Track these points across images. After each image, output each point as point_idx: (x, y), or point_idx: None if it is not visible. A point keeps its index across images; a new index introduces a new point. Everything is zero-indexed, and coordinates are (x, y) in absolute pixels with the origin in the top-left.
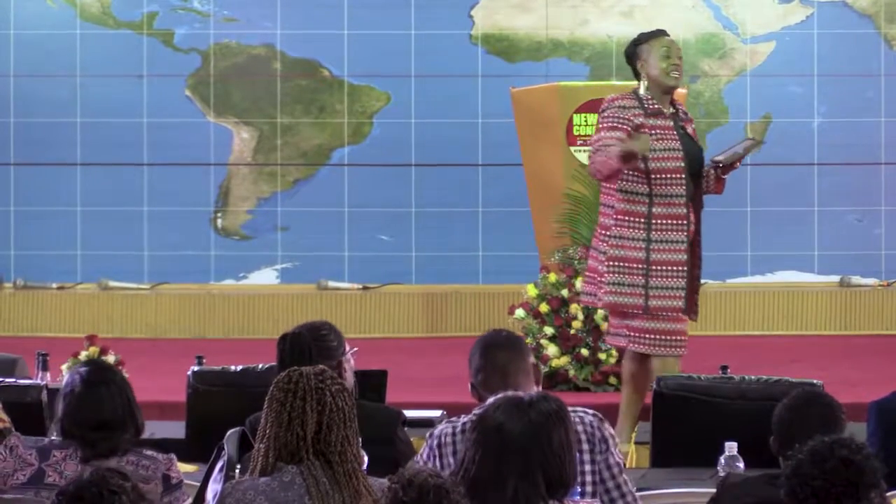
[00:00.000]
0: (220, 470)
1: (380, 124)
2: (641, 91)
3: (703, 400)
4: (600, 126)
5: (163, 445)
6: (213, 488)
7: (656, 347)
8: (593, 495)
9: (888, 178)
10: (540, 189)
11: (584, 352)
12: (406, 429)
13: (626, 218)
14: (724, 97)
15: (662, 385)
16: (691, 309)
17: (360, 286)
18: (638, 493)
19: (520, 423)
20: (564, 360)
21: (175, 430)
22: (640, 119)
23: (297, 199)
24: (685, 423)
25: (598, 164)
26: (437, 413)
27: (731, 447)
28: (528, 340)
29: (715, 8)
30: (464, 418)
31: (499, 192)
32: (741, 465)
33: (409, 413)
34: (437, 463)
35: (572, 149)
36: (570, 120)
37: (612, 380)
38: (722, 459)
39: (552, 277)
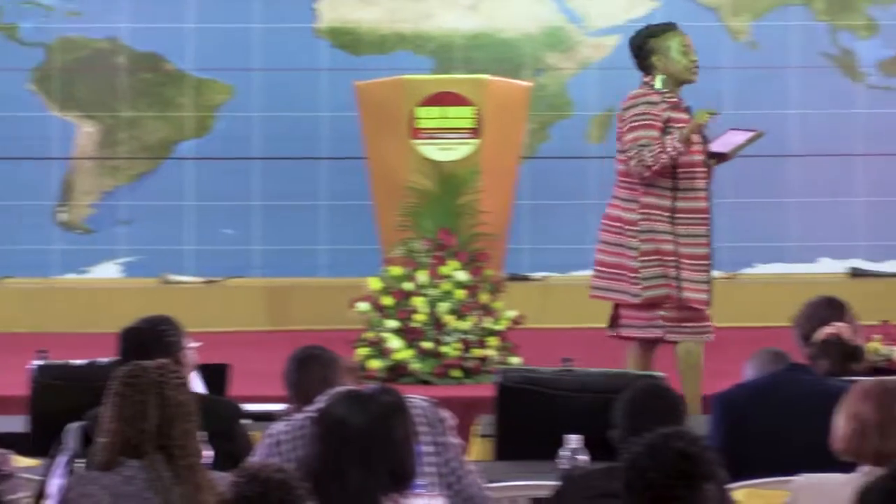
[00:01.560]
0: (64, 464)
1: (224, 118)
2: (658, 85)
3: (547, 393)
4: (634, 124)
5: (4, 440)
6: (57, 482)
7: (690, 335)
8: (438, 476)
9: (728, 170)
10: (384, 182)
11: (427, 345)
12: (249, 422)
13: (654, 212)
14: (568, 90)
15: (506, 378)
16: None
17: (204, 280)
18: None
19: (361, 416)
20: (407, 353)
21: (16, 424)
22: (668, 114)
23: (140, 193)
24: (529, 416)
25: (667, 158)
26: (279, 406)
27: (574, 440)
28: (371, 334)
29: (559, 0)
30: (300, 415)
31: (343, 186)
32: (584, 457)
33: (252, 407)
34: (275, 461)
35: (416, 142)
36: (414, 113)
37: (455, 372)
38: (565, 452)
39: (395, 271)
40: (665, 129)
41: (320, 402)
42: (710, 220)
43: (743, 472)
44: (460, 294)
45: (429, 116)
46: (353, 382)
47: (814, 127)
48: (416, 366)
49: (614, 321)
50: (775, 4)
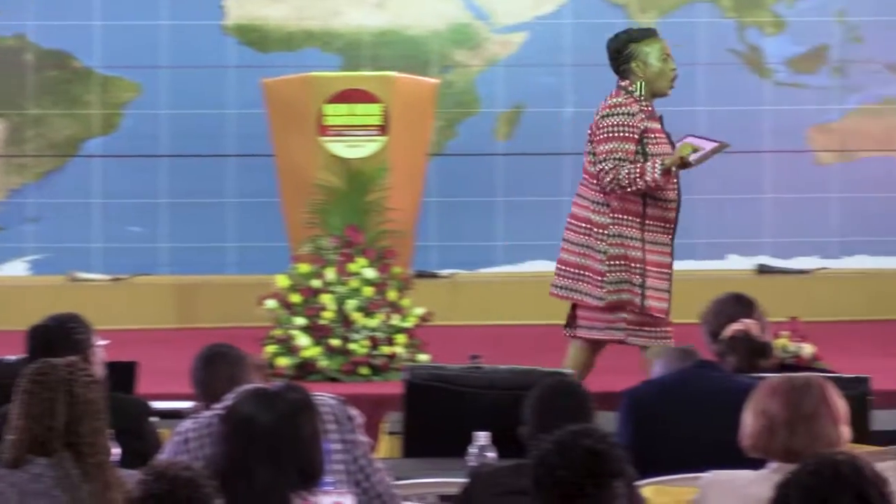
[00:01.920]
0: None
1: (131, 115)
2: (635, 92)
3: (454, 390)
4: (610, 135)
5: None
6: None
7: (652, 339)
8: (346, 474)
9: None
10: (291, 180)
11: (335, 342)
12: (157, 420)
13: (625, 217)
14: (475, 87)
15: (413, 375)
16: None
17: (111, 277)
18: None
19: (268, 414)
20: (315, 350)
21: None
22: (645, 124)
23: (47, 191)
24: (437, 413)
25: (643, 185)
26: (188, 404)
27: (482, 437)
28: (279, 331)
29: None
30: (208, 413)
31: (251, 183)
32: (492, 454)
33: (160, 405)
34: (184, 459)
35: (324, 139)
36: (322, 111)
37: (363, 370)
38: (473, 449)
39: (303, 268)
40: (641, 140)
41: (228, 400)
42: (674, 230)
43: (651, 468)
44: (368, 291)
45: (336, 114)
46: (261, 380)
47: (722, 124)
48: (324, 363)
49: (571, 321)
50: (683, 2)
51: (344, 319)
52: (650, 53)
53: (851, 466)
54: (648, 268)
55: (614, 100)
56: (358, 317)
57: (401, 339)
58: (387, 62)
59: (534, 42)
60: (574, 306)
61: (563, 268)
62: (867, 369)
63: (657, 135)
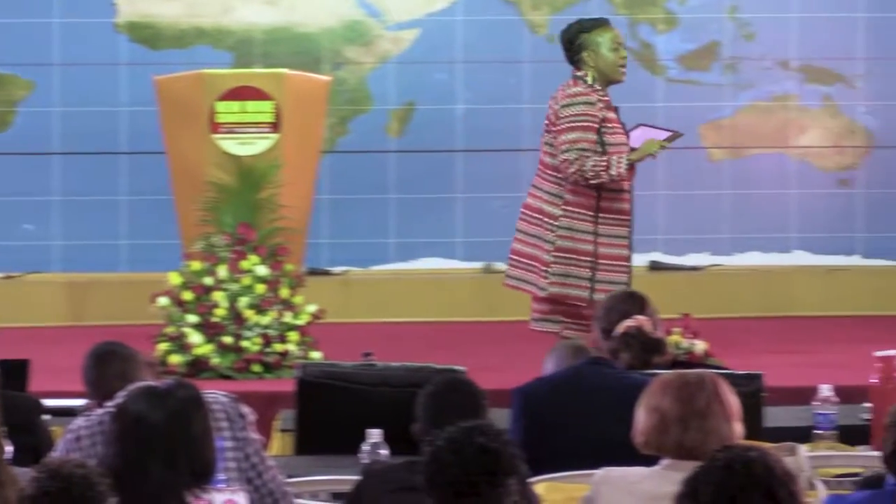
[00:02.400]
0: None
1: (24, 113)
2: (589, 81)
3: (347, 387)
4: (573, 125)
5: None
6: None
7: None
8: (237, 471)
9: (531, 164)
10: (183, 177)
11: (228, 339)
12: (49, 418)
13: (577, 210)
14: (368, 84)
15: (306, 372)
16: None
17: (3, 275)
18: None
19: (159, 411)
20: (208, 348)
21: None
22: (603, 113)
23: None
24: (329, 411)
25: (607, 179)
26: (80, 402)
27: (375, 434)
28: (172, 329)
29: None
30: (99, 411)
31: (143, 181)
32: (385, 451)
33: (52, 402)
34: (76, 457)
35: (215, 137)
36: (214, 108)
37: (256, 367)
38: (366, 446)
39: (195, 265)
40: (599, 130)
41: (119, 398)
42: (631, 222)
43: (544, 465)
44: (260, 289)
45: (228, 111)
46: (153, 378)
47: None
48: (216, 361)
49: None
50: None
51: (236, 317)
52: (601, 43)
53: (762, 464)
54: (600, 261)
55: (573, 89)
56: (250, 314)
57: (293, 336)
58: (278, 59)
59: (425, 39)
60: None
61: (516, 258)
62: (759, 366)
63: (614, 125)
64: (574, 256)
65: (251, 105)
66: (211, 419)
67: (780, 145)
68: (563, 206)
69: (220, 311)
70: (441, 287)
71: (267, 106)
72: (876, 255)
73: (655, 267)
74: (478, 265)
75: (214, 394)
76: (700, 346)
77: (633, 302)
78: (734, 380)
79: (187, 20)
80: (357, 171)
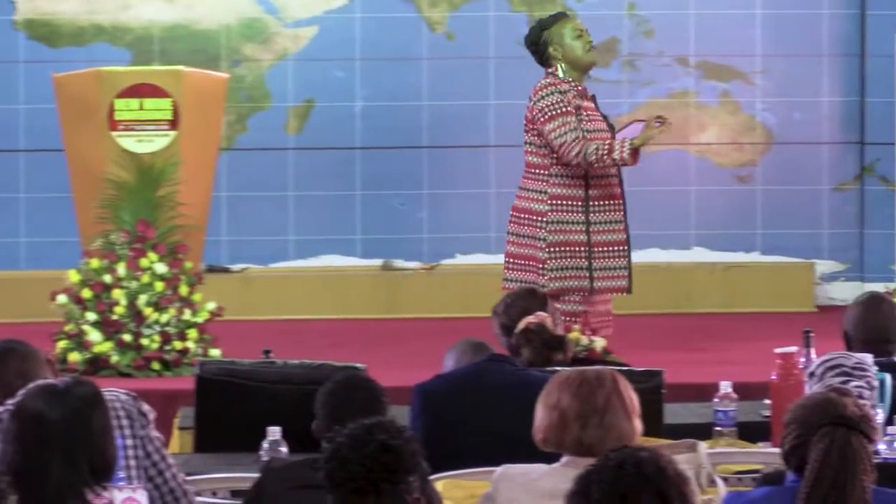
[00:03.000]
0: None
1: None
2: (561, 74)
3: (246, 384)
4: (551, 114)
5: None
6: None
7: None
8: (137, 469)
9: (430, 161)
10: (82, 174)
11: (127, 337)
12: None
13: (564, 202)
14: (266, 82)
15: (205, 370)
16: (630, 287)
17: None
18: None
19: (58, 409)
20: (107, 345)
21: None
22: (577, 101)
23: None
24: (229, 408)
25: (609, 163)
26: None
27: (275, 431)
28: (71, 326)
29: None
30: None
31: (42, 178)
32: (284, 449)
33: None
34: None
35: (114, 134)
36: (112, 105)
37: (155, 365)
38: (265, 444)
39: (94, 263)
40: (577, 117)
41: (19, 395)
42: (623, 206)
43: (444, 463)
44: (160, 286)
45: (126, 108)
46: (53, 375)
47: (513, 118)
48: (116, 358)
49: None
50: None
51: (136, 314)
52: (564, 34)
53: (654, 464)
54: (595, 248)
55: (543, 82)
56: (150, 312)
57: (192, 334)
58: (177, 57)
59: (324, 36)
60: None
61: (511, 260)
62: (659, 363)
63: (590, 112)
64: (567, 248)
65: (149, 102)
66: (111, 417)
67: (678, 142)
68: (550, 201)
69: (120, 309)
70: (340, 284)
71: (165, 103)
72: (775, 252)
73: None
74: (377, 262)
75: (114, 392)
76: (599, 342)
77: (535, 299)
78: (634, 376)
79: (86, 17)
80: (256, 168)
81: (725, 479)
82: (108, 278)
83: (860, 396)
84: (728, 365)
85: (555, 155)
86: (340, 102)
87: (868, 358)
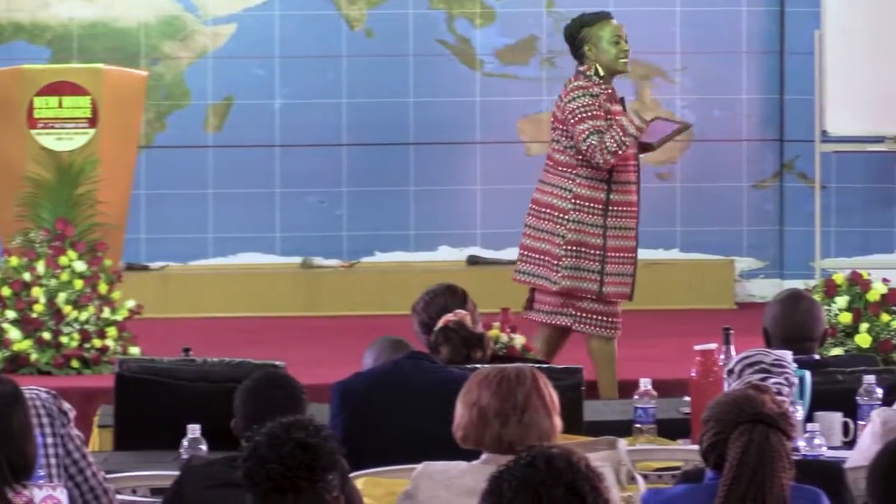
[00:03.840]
0: None
1: None
2: (593, 76)
3: (166, 382)
4: (582, 115)
5: None
6: None
7: (600, 328)
8: (57, 467)
9: (349, 159)
10: (1, 172)
11: (47, 335)
12: None
13: (587, 203)
14: (185, 79)
15: (124, 367)
16: (633, 293)
17: None
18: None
19: None
20: (26, 343)
21: None
22: (607, 105)
23: None
24: (148, 406)
25: (629, 141)
26: None
27: (194, 430)
28: None
29: None
30: None
31: None
32: (204, 447)
33: None
34: None
35: (33, 132)
36: (32, 103)
37: (75, 363)
38: (185, 442)
39: (13, 261)
40: (606, 120)
41: None
42: (638, 213)
43: (364, 461)
44: (79, 284)
45: (46, 106)
46: None
47: (433, 115)
48: (35, 356)
49: (529, 304)
50: None
51: (55, 312)
52: (602, 37)
53: (565, 460)
54: (609, 253)
55: (575, 83)
56: (69, 310)
57: (112, 332)
58: (96, 54)
59: (243, 34)
60: (533, 290)
61: (526, 253)
62: (578, 360)
63: (619, 116)
64: (584, 249)
65: (69, 100)
66: (31, 415)
67: None
68: (573, 200)
69: (39, 307)
70: (260, 282)
71: (84, 101)
72: (694, 249)
73: (473, 261)
74: (296, 260)
75: (35, 390)
76: (519, 340)
77: (454, 296)
78: (553, 374)
79: (5, 15)
80: (175, 166)
81: (645, 477)
82: (27, 276)
83: (779, 393)
84: (648, 362)
85: (580, 156)
86: (260, 100)
87: (787, 355)
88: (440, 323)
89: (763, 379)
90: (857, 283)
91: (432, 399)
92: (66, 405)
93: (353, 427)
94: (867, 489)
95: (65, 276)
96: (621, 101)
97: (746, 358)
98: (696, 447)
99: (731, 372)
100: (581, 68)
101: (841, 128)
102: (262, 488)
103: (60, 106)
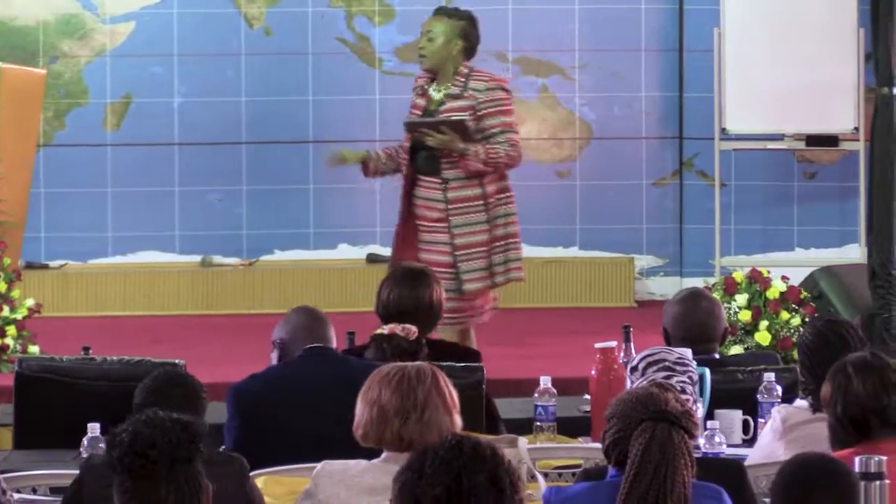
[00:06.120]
0: None
1: None
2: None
3: (66, 381)
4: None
5: None
6: None
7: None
8: None
9: (248, 157)
10: None
11: None
12: None
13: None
14: (84, 78)
15: (23, 366)
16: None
17: None
18: (2, 476)
19: None
20: None
21: None
22: (414, 98)
23: None
24: (48, 405)
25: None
26: None
27: (94, 428)
28: None
29: None
30: None
31: None
32: (104, 446)
33: None
34: None
35: None
36: None
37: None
38: (85, 441)
39: None
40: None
41: None
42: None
43: (263, 463)
44: None
45: None
46: None
47: (332, 113)
48: None
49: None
50: None
51: None
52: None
53: (491, 450)
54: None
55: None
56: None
57: (11, 330)
58: None
59: (141, 32)
60: None
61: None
62: (483, 357)
63: (415, 109)
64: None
65: None
66: None
67: None
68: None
69: None
70: (159, 281)
71: None
72: (593, 247)
73: (373, 259)
74: (196, 258)
75: None
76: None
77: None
78: (454, 372)
79: None
80: (74, 164)
81: (545, 475)
82: None
83: (683, 391)
84: (548, 360)
85: None
86: (158, 98)
87: (688, 353)
88: (385, 329)
89: (667, 377)
90: (757, 281)
91: (327, 400)
92: None
93: (250, 430)
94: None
95: None
96: (424, 95)
97: (650, 356)
98: (596, 445)
99: (634, 369)
100: None
101: (740, 126)
102: (135, 471)
103: None
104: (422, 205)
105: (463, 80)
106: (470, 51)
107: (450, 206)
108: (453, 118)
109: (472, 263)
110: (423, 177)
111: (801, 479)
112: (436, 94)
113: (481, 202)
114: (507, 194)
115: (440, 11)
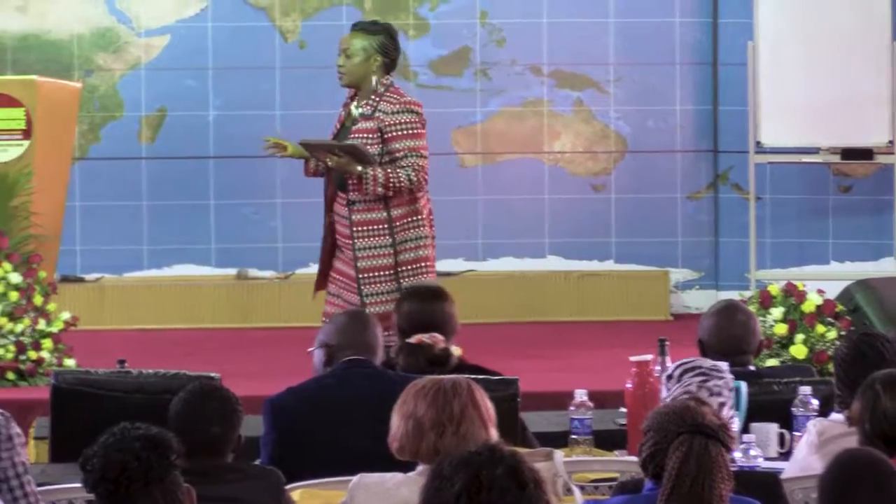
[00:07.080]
0: None
1: None
2: None
3: (102, 394)
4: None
5: None
6: None
7: None
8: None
9: (283, 170)
10: None
11: None
12: None
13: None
14: (119, 91)
15: (60, 379)
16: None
17: None
18: (39, 489)
19: None
20: None
21: None
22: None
23: None
24: (84, 418)
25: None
26: None
27: None
28: None
29: (109, 1)
30: None
31: None
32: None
33: None
34: None
35: None
36: None
37: (10, 375)
38: None
39: None
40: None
41: None
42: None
43: (299, 476)
44: (14, 296)
45: None
46: None
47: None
48: None
49: None
50: (325, 5)
51: None
52: None
53: (510, 451)
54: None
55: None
56: (4, 322)
57: (47, 344)
58: (30, 66)
59: (176, 45)
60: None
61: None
62: (515, 371)
63: (337, 123)
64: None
65: (2, 112)
66: None
67: (532, 150)
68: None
69: None
70: (195, 294)
71: (18, 113)
72: (628, 261)
73: None
74: (231, 272)
75: None
76: (456, 351)
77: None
78: (489, 385)
79: None
80: (109, 177)
81: (582, 488)
82: None
83: (718, 394)
84: (584, 373)
85: None
86: (193, 112)
87: (724, 364)
88: (413, 339)
89: (703, 381)
90: (793, 295)
91: (364, 415)
92: (16, 429)
93: (286, 444)
94: (819, 497)
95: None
96: (347, 115)
97: (684, 364)
98: (632, 458)
99: (670, 377)
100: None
101: (775, 139)
102: (110, 496)
103: None
104: (336, 220)
105: (376, 100)
106: (389, 65)
107: (354, 229)
108: (346, 142)
109: (374, 287)
110: (339, 192)
111: (847, 475)
112: (355, 110)
113: (385, 226)
114: (417, 217)
115: (357, 27)
